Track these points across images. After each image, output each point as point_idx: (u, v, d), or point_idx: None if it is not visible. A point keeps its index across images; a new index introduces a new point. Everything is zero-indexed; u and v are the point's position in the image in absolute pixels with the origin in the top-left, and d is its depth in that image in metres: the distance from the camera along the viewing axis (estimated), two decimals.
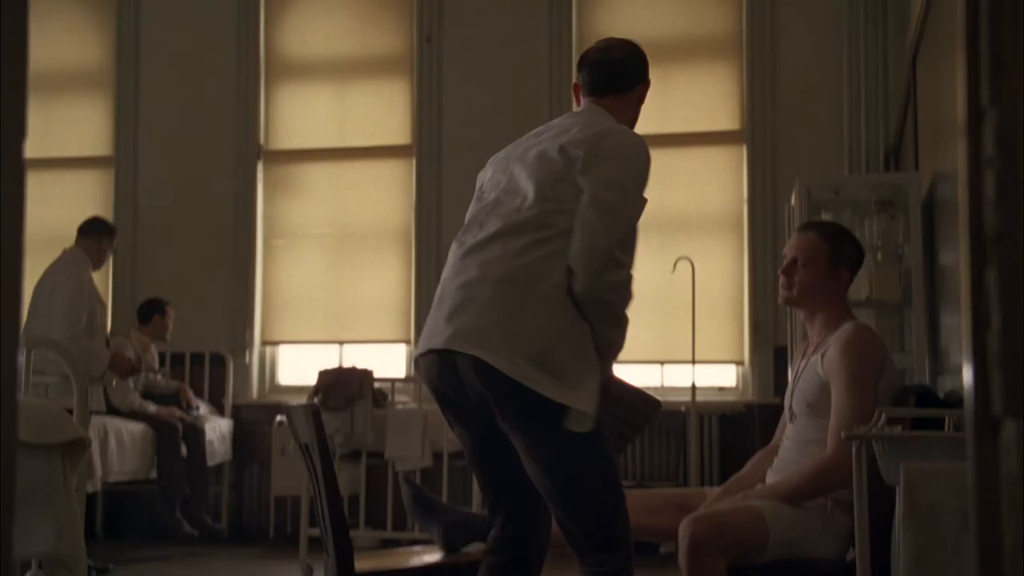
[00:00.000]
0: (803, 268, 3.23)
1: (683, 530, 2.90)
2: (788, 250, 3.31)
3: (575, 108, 3.14)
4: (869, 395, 2.98)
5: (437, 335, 2.81)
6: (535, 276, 2.69)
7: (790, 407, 3.26)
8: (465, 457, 3.03)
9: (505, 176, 2.99)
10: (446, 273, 2.94)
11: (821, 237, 3.26)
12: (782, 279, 3.29)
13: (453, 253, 2.98)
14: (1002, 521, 0.90)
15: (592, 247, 2.68)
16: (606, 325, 2.74)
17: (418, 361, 2.91)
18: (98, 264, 6.56)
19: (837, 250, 3.23)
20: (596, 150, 2.82)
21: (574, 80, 3.15)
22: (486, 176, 3.14)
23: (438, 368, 2.80)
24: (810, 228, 3.37)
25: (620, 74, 3.04)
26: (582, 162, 2.78)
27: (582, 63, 3.08)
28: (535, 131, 3.07)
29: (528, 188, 2.84)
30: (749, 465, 3.40)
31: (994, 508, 0.90)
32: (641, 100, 3.15)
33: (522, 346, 2.62)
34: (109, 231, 6.65)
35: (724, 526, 2.91)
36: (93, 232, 6.56)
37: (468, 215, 3.10)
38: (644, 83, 3.13)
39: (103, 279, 8.12)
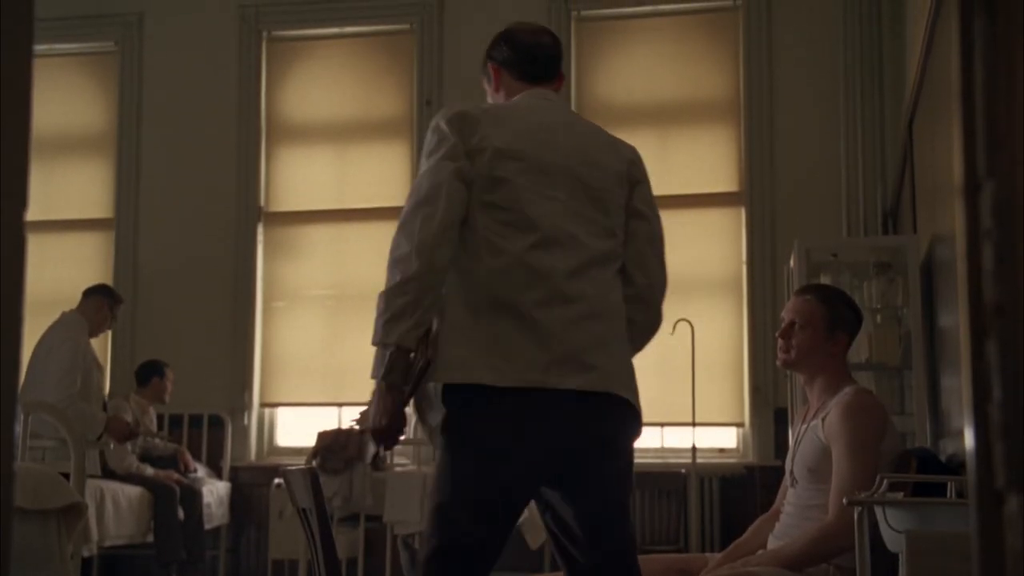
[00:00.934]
0: (801, 331, 3.23)
1: None
2: (786, 313, 3.32)
3: (497, 92, 2.84)
4: (870, 460, 2.96)
5: (572, 371, 2.45)
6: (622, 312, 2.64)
7: (791, 472, 3.25)
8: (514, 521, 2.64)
9: (569, 177, 2.61)
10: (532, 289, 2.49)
11: (819, 300, 3.26)
12: (780, 342, 3.29)
13: (533, 262, 2.50)
14: None
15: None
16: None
17: (519, 398, 2.44)
18: (96, 330, 6.54)
19: (835, 314, 3.23)
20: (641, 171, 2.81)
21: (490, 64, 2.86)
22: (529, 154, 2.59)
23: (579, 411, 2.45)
24: (808, 291, 3.38)
25: (557, 58, 2.85)
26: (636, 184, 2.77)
27: (523, 47, 2.80)
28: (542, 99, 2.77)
29: (602, 208, 2.66)
30: (750, 530, 3.38)
31: None
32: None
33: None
34: (111, 297, 6.65)
35: None
36: (95, 295, 6.56)
37: (537, 208, 2.55)
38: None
39: (102, 340, 8.11)
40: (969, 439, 0.90)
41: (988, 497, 0.89)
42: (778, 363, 3.35)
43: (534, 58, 2.78)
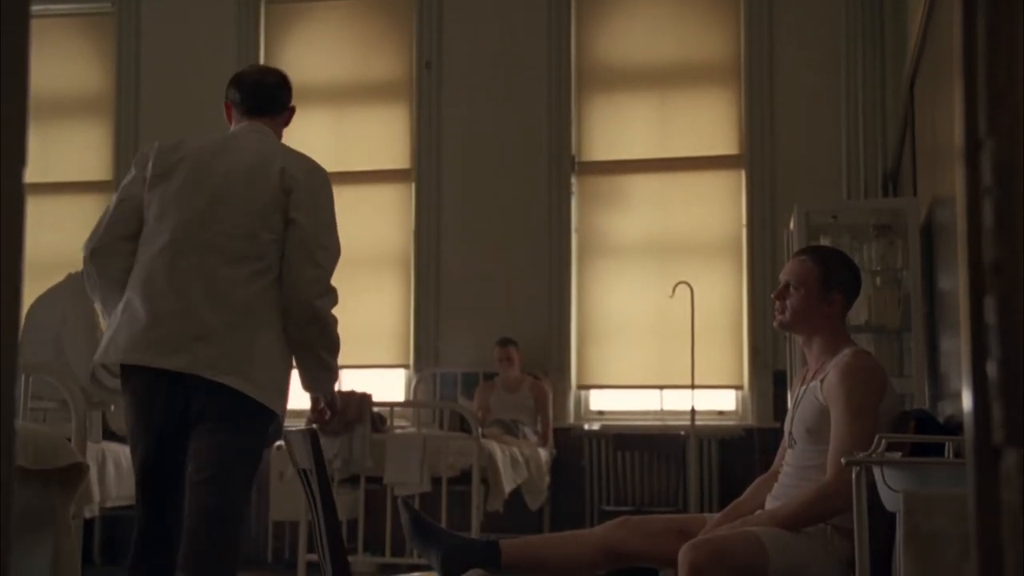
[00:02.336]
0: (795, 292, 3.23)
1: (683, 556, 2.89)
2: (782, 275, 3.32)
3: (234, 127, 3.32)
4: (869, 421, 2.97)
5: None
6: None
7: (789, 433, 3.26)
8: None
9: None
10: None
11: (813, 261, 3.26)
12: (776, 304, 3.29)
13: None
14: (1003, 551, 0.89)
15: None
16: None
17: None
18: None
19: (829, 274, 3.22)
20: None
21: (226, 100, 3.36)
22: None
23: None
24: (803, 252, 3.38)
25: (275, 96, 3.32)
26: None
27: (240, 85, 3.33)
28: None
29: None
30: (749, 491, 3.39)
31: (995, 538, 0.90)
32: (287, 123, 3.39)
33: None
34: None
35: (724, 552, 2.90)
36: None
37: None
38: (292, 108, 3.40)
39: None
40: (967, 396, 0.91)
41: (985, 454, 0.90)
42: (774, 324, 3.35)
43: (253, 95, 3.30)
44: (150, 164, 3.12)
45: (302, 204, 3.04)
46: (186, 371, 2.90)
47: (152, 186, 3.10)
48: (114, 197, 3.16)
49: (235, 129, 3.25)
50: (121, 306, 3.01)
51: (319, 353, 3.12)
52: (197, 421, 2.94)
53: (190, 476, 2.93)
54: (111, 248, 3.08)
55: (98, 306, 3.15)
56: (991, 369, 0.90)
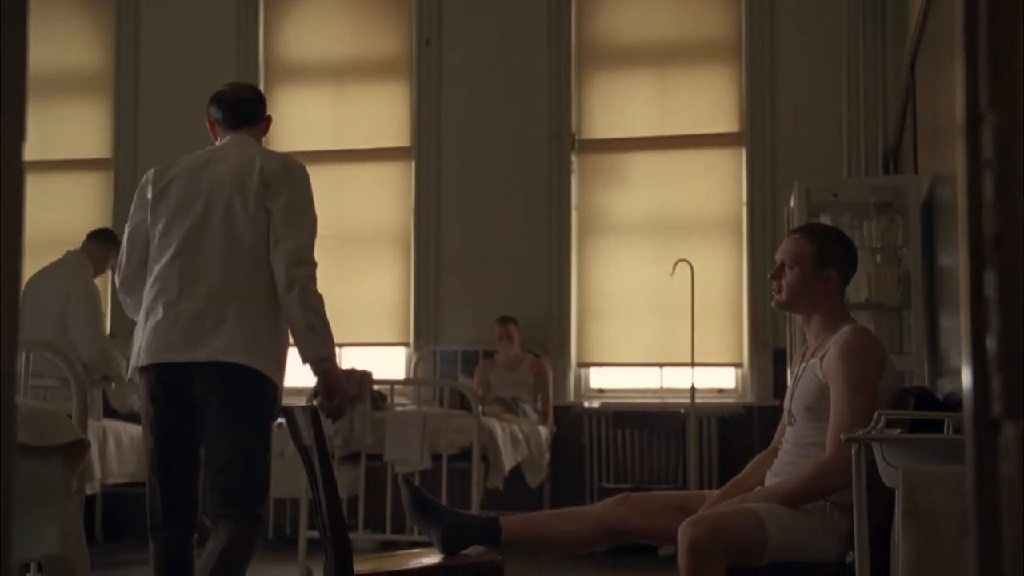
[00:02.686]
0: (790, 271, 3.23)
1: (682, 532, 2.90)
2: (777, 255, 3.32)
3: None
4: (868, 398, 2.98)
5: None
6: None
7: (789, 410, 3.26)
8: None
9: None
10: None
11: (807, 239, 3.25)
12: (772, 284, 3.29)
13: None
14: (1002, 523, 0.90)
15: None
16: None
17: None
18: (99, 272, 6.53)
19: (824, 251, 3.22)
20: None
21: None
22: None
23: None
24: (798, 231, 3.37)
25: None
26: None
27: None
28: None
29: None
30: (748, 468, 3.40)
31: (993, 510, 0.90)
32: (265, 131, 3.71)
33: None
34: (118, 246, 6.62)
35: (723, 529, 2.91)
36: (104, 240, 6.48)
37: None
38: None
39: (102, 280, 8.11)
40: (966, 370, 0.91)
41: (984, 426, 0.90)
42: (772, 304, 3.35)
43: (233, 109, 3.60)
44: (149, 188, 3.48)
45: (277, 194, 3.38)
46: (205, 360, 3.25)
47: (154, 207, 3.46)
48: (126, 227, 3.56)
49: (220, 143, 3.58)
50: (143, 315, 3.41)
51: (305, 316, 3.35)
52: (212, 399, 3.28)
53: (214, 444, 3.32)
54: (135, 276, 3.49)
55: (119, 287, 3.55)
56: (990, 343, 0.90)
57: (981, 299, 0.90)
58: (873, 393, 3.00)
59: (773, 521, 2.95)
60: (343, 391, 3.53)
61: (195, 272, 3.34)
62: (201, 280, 3.33)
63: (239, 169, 3.40)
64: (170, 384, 3.31)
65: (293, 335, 3.40)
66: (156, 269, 3.39)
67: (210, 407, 3.29)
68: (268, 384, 3.34)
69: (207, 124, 3.65)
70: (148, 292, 3.40)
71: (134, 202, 3.55)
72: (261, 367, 3.30)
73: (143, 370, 3.35)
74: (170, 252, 3.37)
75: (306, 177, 3.52)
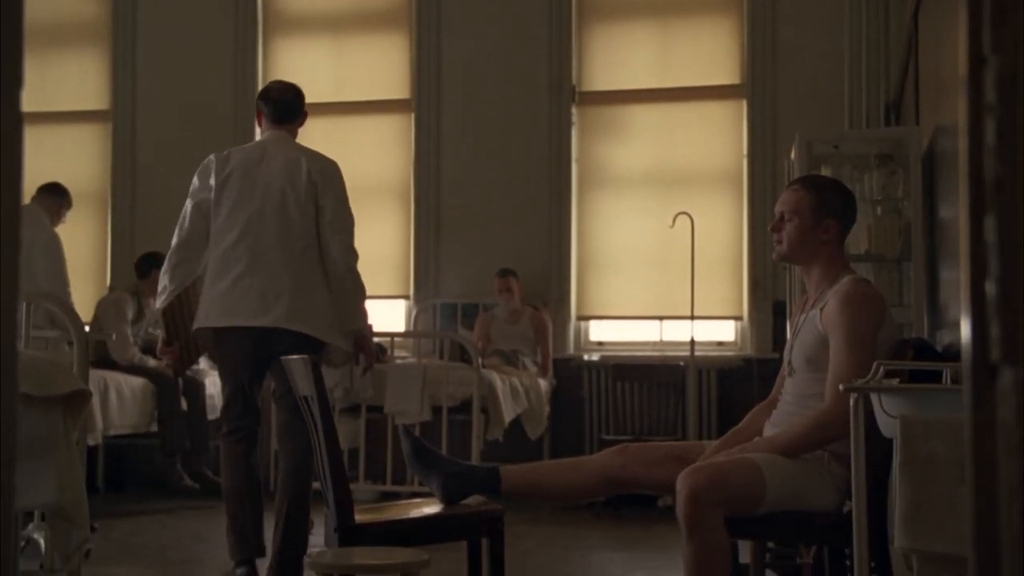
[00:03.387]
0: (789, 222, 3.22)
1: (681, 482, 2.92)
2: (776, 207, 3.31)
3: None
4: (868, 349, 2.98)
5: None
6: None
7: (789, 361, 3.27)
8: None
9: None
10: None
11: (805, 189, 3.25)
12: (773, 237, 3.29)
13: None
14: (998, 467, 0.90)
15: None
16: None
17: None
18: (54, 224, 6.54)
19: (822, 201, 3.21)
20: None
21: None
22: None
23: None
24: (795, 182, 3.37)
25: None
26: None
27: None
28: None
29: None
30: (747, 418, 3.42)
31: (990, 454, 0.91)
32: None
33: None
34: (68, 198, 6.67)
35: (722, 478, 2.93)
36: (56, 194, 6.53)
37: None
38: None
39: (101, 233, 8.11)
40: (965, 314, 0.91)
41: (982, 371, 0.90)
42: (773, 257, 3.35)
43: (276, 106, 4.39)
44: (212, 175, 4.24)
45: (326, 193, 4.19)
46: (269, 326, 4.10)
47: (217, 193, 4.21)
48: (189, 202, 4.30)
49: (265, 137, 4.39)
50: (208, 284, 4.20)
51: (355, 296, 4.29)
52: (271, 355, 4.09)
53: (276, 391, 4.31)
54: (198, 241, 4.25)
55: (167, 277, 4.25)
56: (990, 288, 0.90)
57: (981, 244, 0.90)
58: (872, 344, 3.00)
59: (771, 471, 2.97)
60: (372, 351, 4.47)
61: (257, 252, 4.13)
62: (262, 259, 4.12)
63: (288, 168, 4.20)
64: (235, 341, 4.17)
65: (343, 308, 4.26)
66: (222, 246, 4.18)
67: (273, 359, 4.05)
68: (313, 343, 4.13)
69: (256, 115, 4.48)
70: (215, 264, 4.19)
71: (197, 181, 4.29)
72: (309, 331, 4.13)
73: (223, 330, 4.17)
74: (235, 234, 4.15)
75: (341, 173, 4.32)
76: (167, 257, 4.31)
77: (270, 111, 4.38)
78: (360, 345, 4.35)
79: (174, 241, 4.28)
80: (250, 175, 4.21)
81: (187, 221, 4.28)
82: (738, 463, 3.01)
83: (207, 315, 4.18)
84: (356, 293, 4.30)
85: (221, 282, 4.16)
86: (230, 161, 4.26)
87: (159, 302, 4.29)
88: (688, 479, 2.91)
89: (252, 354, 4.18)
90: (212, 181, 4.23)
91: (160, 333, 4.49)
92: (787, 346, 3.32)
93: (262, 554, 4.24)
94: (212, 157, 4.30)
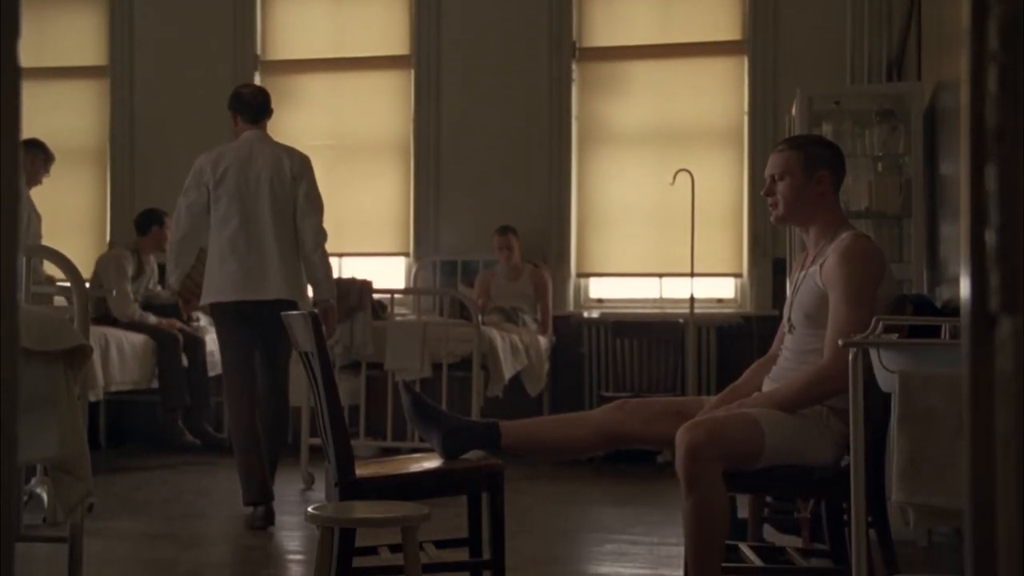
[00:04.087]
0: (781, 182, 3.22)
1: (680, 436, 2.93)
2: (766, 171, 3.31)
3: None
4: (867, 304, 2.98)
5: None
6: None
7: (788, 318, 3.27)
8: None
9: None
10: None
11: (791, 148, 3.25)
12: (768, 201, 3.29)
13: None
14: (995, 417, 0.91)
15: None
16: None
17: None
18: (29, 183, 6.29)
19: (809, 155, 3.21)
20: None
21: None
22: None
23: None
24: (779, 144, 3.36)
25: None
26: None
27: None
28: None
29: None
30: (746, 374, 3.43)
31: (988, 404, 0.91)
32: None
33: None
34: (46, 153, 6.42)
35: (721, 432, 2.94)
36: (30, 148, 6.27)
37: None
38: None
39: (100, 191, 8.11)
40: (965, 263, 0.91)
41: (981, 320, 0.90)
42: (772, 220, 3.36)
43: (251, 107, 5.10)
44: (206, 176, 4.96)
45: (301, 182, 4.98)
46: (272, 298, 4.85)
47: (216, 188, 4.94)
48: (182, 202, 5.02)
49: (248, 136, 5.05)
50: (216, 265, 4.93)
51: (323, 270, 5.00)
52: (265, 322, 4.82)
53: (266, 355, 5.01)
54: (190, 236, 5.02)
55: (173, 266, 5.06)
56: (989, 237, 0.90)
57: (981, 193, 0.90)
58: (872, 300, 3.01)
59: (770, 426, 2.98)
60: (333, 322, 5.22)
61: (256, 237, 4.89)
62: (261, 243, 4.89)
63: (274, 164, 4.96)
64: (242, 313, 4.92)
65: (312, 280, 5.01)
66: (225, 233, 4.91)
67: (271, 325, 4.53)
68: (296, 308, 4.69)
69: (232, 116, 5.13)
70: (220, 248, 4.92)
71: (192, 182, 4.98)
72: (297, 298, 4.93)
73: (223, 304, 4.93)
74: (236, 222, 4.90)
75: (311, 164, 5.09)
76: (171, 250, 5.09)
77: (247, 113, 5.09)
78: (325, 314, 4.96)
79: (175, 238, 5.04)
80: (244, 172, 4.94)
81: (182, 221, 5.01)
82: (737, 418, 3.02)
83: (219, 291, 4.92)
84: (325, 268, 5.00)
85: (227, 264, 4.90)
86: (223, 160, 4.96)
87: (174, 282, 5.16)
88: (687, 433, 2.92)
89: (255, 321, 4.92)
90: (206, 181, 4.96)
91: (179, 303, 5.57)
92: (787, 303, 3.33)
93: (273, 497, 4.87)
94: (204, 160, 5.00)
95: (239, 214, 4.91)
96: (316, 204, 5.00)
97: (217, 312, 5.00)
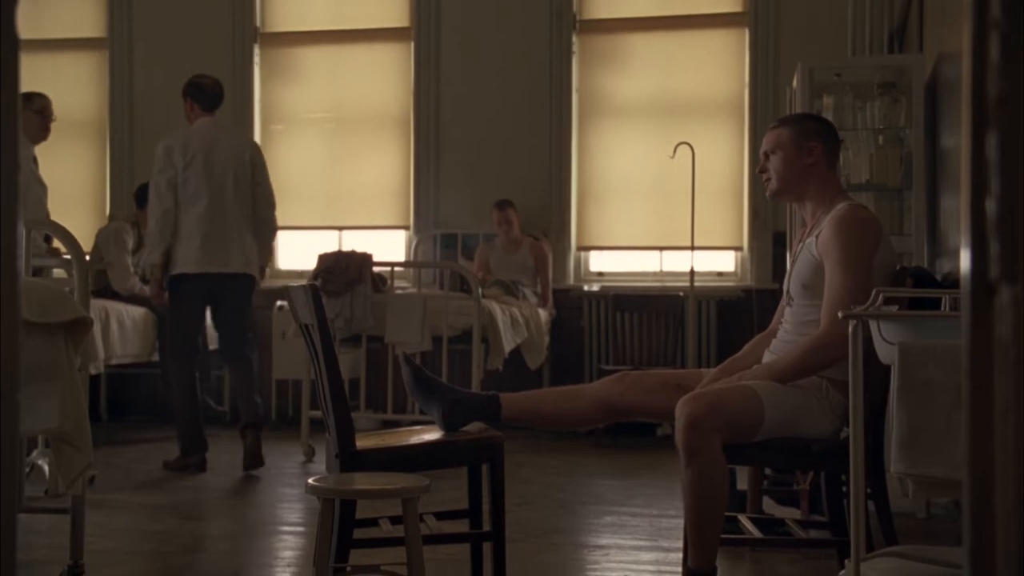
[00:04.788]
0: (774, 156, 3.24)
1: (680, 408, 2.94)
2: (761, 151, 3.33)
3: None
4: (863, 270, 2.99)
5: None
6: None
7: (787, 291, 3.28)
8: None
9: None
10: None
11: (782, 125, 3.28)
12: (763, 178, 3.30)
13: None
14: (994, 385, 0.91)
15: None
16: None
17: None
18: (39, 136, 6.06)
19: (799, 129, 3.23)
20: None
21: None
22: None
23: None
24: (772, 124, 3.37)
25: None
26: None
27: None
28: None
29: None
30: (746, 348, 3.43)
31: (987, 372, 0.91)
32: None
33: None
34: (28, 100, 6.10)
35: (720, 404, 2.95)
36: (26, 103, 6.03)
37: None
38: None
39: (99, 163, 8.09)
40: (965, 232, 0.91)
41: (981, 289, 0.90)
42: (767, 196, 3.37)
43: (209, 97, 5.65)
44: (175, 157, 5.48)
45: (261, 171, 5.66)
46: (229, 271, 5.51)
47: (184, 171, 5.45)
48: (160, 178, 5.48)
49: (207, 123, 5.60)
50: (185, 239, 5.46)
51: (272, 239, 5.88)
52: (226, 292, 5.56)
53: (229, 323, 5.66)
54: (172, 208, 5.49)
55: (160, 237, 5.49)
56: (990, 205, 0.90)
57: (982, 161, 0.90)
58: (868, 267, 3.01)
59: (769, 398, 2.99)
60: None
61: (223, 215, 5.48)
62: (226, 220, 5.49)
63: (235, 151, 5.57)
64: (203, 284, 5.51)
65: (262, 253, 5.73)
66: (193, 212, 5.45)
67: (235, 295, 5.57)
68: (253, 280, 5.67)
69: (186, 102, 5.62)
70: (188, 223, 5.46)
71: (165, 162, 5.47)
72: (255, 273, 5.65)
73: (192, 275, 5.47)
74: (204, 202, 5.45)
75: (262, 152, 5.81)
76: (159, 221, 5.46)
77: (204, 101, 5.60)
78: (262, 274, 5.89)
79: (161, 209, 5.47)
80: (209, 158, 5.48)
81: (165, 194, 5.48)
82: (737, 390, 3.03)
83: (184, 263, 5.48)
84: (273, 237, 5.89)
85: (193, 240, 5.45)
86: (191, 144, 5.48)
87: (155, 256, 5.53)
88: (687, 406, 2.93)
89: (215, 292, 5.56)
90: (175, 162, 5.47)
91: (154, 275, 5.61)
92: (786, 277, 3.33)
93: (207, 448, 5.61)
94: (172, 141, 5.51)
95: (207, 195, 5.45)
96: (273, 198, 5.70)
97: (180, 283, 5.51)
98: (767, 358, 3.26)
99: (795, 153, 3.20)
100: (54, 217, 5.94)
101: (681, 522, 3.25)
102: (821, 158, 3.21)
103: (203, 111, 5.59)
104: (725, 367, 3.33)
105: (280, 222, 8.28)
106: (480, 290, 6.21)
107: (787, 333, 3.24)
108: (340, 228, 7.82)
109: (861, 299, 2.80)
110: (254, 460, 5.46)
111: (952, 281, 3.66)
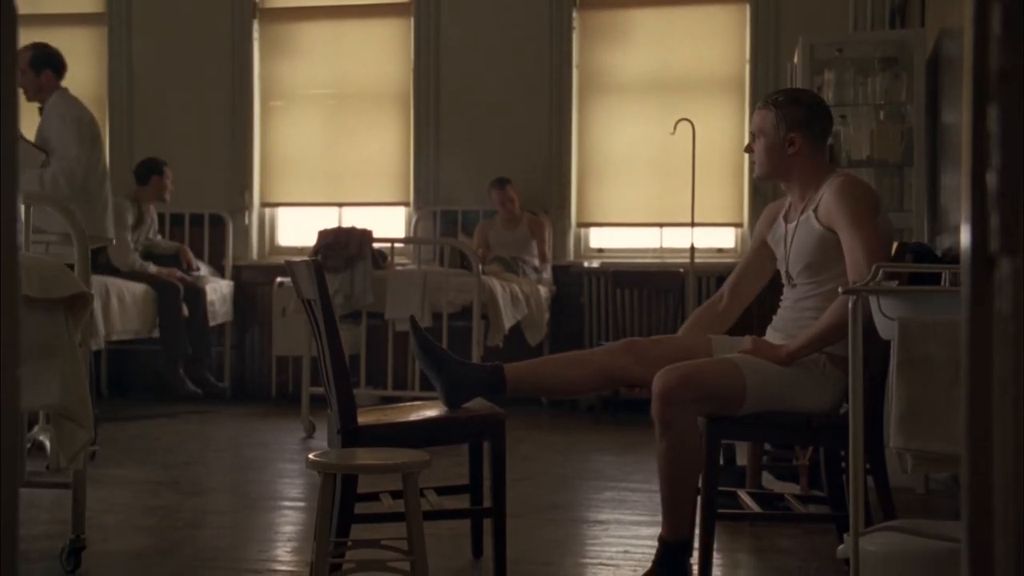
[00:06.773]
0: (757, 142, 3.22)
1: (655, 381, 2.95)
2: (748, 132, 3.32)
3: None
4: (876, 228, 2.98)
5: None
6: None
7: (787, 272, 3.25)
8: None
9: None
10: None
11: (769, 108, 3.21)
12: (752, 157, 3.29)
13: None
14: (993, 359, 0.91)
15: None
16: None
17: None
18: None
19: (782, 117, 3.17)
20: None
21: None
22: None
23: None
24: (763, 100, 3.30)
25: None
26: None
27: None
28: None
29: None
30: (689, 321, 3.47)
31: (986, 346, 0.92)
32: None
33: None
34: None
35: (695, 377, 2.94)
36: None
37: None
38: None
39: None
40: (965, 205, 0.91)
41: (981, 262, 0.90)
42: (754, 177, 3.36)
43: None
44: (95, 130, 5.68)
45: None
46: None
47: (97, 142, 5.65)
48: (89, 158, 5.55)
49: (64, 93, 5.61)
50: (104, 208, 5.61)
51: None
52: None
53: None
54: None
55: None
56: (991, 178, 0.90)
57: (983, 134, 0.90)
58: (878, 227, 3.00)
59: (750, 371, 2.99)
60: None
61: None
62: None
63: None
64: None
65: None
66: (108, 187, 5.65)
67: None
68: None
69: (42, 74, 5.57)
70: (105, 194, 5.59)
71: (97, 138, 5.66)
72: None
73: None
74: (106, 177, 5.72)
75: None
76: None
77: (61, 70, 5.66)
78: None
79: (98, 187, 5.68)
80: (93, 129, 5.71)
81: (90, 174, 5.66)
82: (716, 363, 3.04)
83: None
84: None
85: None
86: (88, 118, 5.69)
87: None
88: (661, 379, 2.95)
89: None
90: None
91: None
92: (780, 259, 3.28)
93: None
94: (87, 115, 5.67)
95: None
96: None
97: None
98: (771, 335, 3.24)
99: (776, 143, 3.18)
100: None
101: None
102: (803, 148, 3.17)
103: (59, 80, 5.62)
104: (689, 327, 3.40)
105: (280, 198, 8.38)
106: (480, 267, 6.21)
107: (788, 311, 3.22)
108: (340, 204, 7.82)
109: (883, 254, 2.80)
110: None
111: (952, 257, 3.66)
